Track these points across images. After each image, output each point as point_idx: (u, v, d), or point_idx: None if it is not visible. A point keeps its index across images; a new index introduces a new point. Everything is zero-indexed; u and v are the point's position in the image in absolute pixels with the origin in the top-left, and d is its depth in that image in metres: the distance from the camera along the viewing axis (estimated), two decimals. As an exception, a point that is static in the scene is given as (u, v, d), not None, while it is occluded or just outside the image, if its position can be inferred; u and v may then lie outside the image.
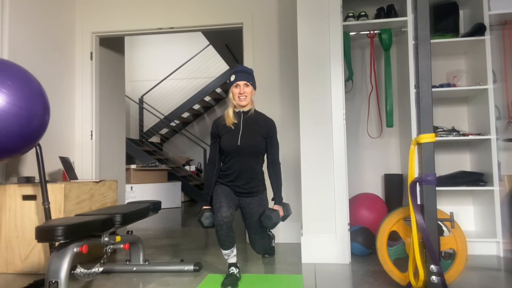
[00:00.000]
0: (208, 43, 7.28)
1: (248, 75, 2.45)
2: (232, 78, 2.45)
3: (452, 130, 3.08)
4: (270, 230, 2.75)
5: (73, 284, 2.33)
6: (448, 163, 3.37)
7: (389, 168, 3.46)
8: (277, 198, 2.51)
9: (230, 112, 2.47)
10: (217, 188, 2.48)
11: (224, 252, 2.34)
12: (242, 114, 2.48)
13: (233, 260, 2.36)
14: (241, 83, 2.42)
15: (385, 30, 3.19)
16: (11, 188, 2.65)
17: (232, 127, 2.45)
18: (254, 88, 2.50)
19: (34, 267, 2.60)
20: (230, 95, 2.46)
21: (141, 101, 9.11)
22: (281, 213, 2.46)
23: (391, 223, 2.17)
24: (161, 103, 9.09)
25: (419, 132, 1.93)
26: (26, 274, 2.59)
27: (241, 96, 2.41)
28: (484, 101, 3.01)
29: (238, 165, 2.45)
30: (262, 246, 2.58)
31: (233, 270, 2.32)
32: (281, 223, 3.42)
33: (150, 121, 8.96)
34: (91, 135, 3.73)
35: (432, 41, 3.03)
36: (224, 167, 2.51)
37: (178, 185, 7.17)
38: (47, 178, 3.17)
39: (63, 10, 3.60)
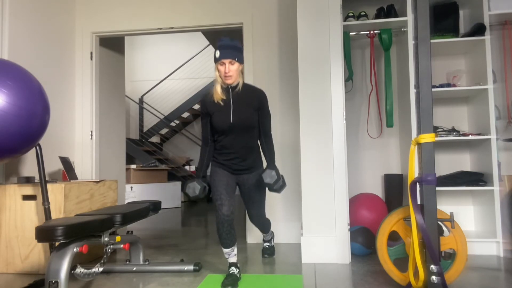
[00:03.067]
0: (208, 43, 7.28)
1: (233, 51, 2.29)
2: (217, 54, 2.29)
3: (452, 130, 3.08)
4: (275, 190, 2.40)
5: (73, 284, 2.33)
6: (448, 163, 3.37)
7: (389, 168, 3.46)
8: (272, 165, 2.40)
9: (217, 88, 2.35)
10: (214, 172, 2.41)
11: (225, 250, 2.33)
12: (230, 89, 2.37)
13: (233, 259, 2.36)
14: (226, 61, 2.27)
15: (385, 30, 3.19)
16: (11, 188, 2.65)
17: (222, 104, 2.35)
18: (241, 62, 2.35)
19: (34, 267, 2.60)
20: (216, 72, 2.34)
21: (141, 101, 9.11)
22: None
23: (391, 223, 2.17)
24: (161, 103, 9.10)
25: (419, 132, 1.93)
26: (26, 274, 2.59)
27: (227, 75, 2.29)
28: (484, 101, 3.01)
29: (232, 142, 2.37)
30: (260, 222, 2.63)
31: (233, 270, 2.31)
32: (281, 223, 3.42)
33: (150, 121, 8.96)
34: (91, 135, 3.73)
35: (432, 41, 3.03)
36: (218, 145, 2.42)
37: (178, 185, 7.16)
38: (47, 178, 3.17)
39: (63, 10, 3.60)
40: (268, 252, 2.90)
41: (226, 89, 2.37)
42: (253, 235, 3.46)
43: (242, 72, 2.40)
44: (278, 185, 2.33)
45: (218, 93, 2.35)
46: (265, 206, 3.43)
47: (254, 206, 2.54)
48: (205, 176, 2.44)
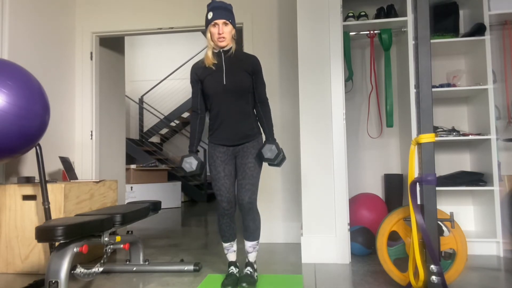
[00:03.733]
0: (208, 43, 7.27)
1: (227, 12, 2.19)
2: (210, 15, 2.18)
3: (452, 130, 3.08)
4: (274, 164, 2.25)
5: (73, 284, 2.33)
6: (448, 163, 3.37)
7: (389, 168, 3.46)
8: (271, 138, 2.28)
9: (209, 53, 2.22)
10: (210, 157, 2.28)
11: (225, 245, 2.33)
12: (222, 53, 2.24)
13: (232, 257, 2.35)
14: (220, 21, 2.16)
15: (385, 30, 3.19)
16: (11, 188, 2.65)
17: (214, 68, 2.22)
18: (234, 26, 2.25)
19: (34, 267, 2.60)
20: (208, 35, 2.22)
21: (141, 101, 9.11)
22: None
23: (391, 223, 2.17)
24: (161, 103, 9.09)
25: (419, 132, 1.93)
26: (26, 274, 2.59)
27: (220, 37, 2.17)
28: (484, 101, 3.01)
29: (226, 108, 2.22)
30: (250, 214, 2.24)
31: (233, 269, 2.29)
32: (281, 223, 3.42)
33: (150, 121, 8.96)
34: (91, 135, 3.73)
35: (432, 41, 3.03)
36: (211, 115, 2.28)
37: (178, 185, 7.17)
38: (47, 178, 3.17)
39: (63, 10, 3.60)
40: (248, 280, 2.19)
41: (218, 53, 2.24)
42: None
43: (234, 37, 2.28)
44: (279, 159, 2.20)
45: (210, 58, 2.22)
46: (264, 205, 3.44)
47: (246, 179, 2.22)
48: (197, 152, 2.32)
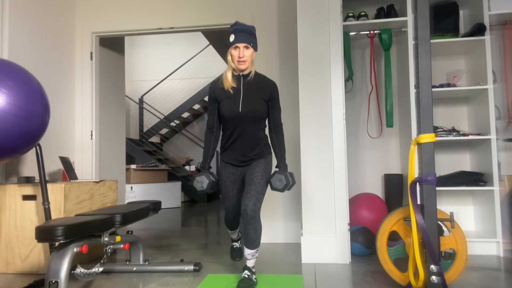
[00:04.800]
0: (208, 43, 7.28)
1: (249, 36, 2.20)
2: (232, 38, 2.20)
3: (452, 130, 3.08)
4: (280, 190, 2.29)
5: (73, 284, 2.32)
6: (448, 163, 3.37)
7: (389, 168, 3.46)
8: (282, 165, 2.31)
9: (228, 75, 2.25)
10: (221, 175, 2.37)
11: (230, 231, 2.62)
12: (242, 77, 2.26)
13: (235, 236, 2.66)
14: (241, 45, 2.18)
15: (385, 30, 3.19)
16: (11, 188, 2.65)
17: (231, 92, 2.24)
18: (255, 49, 2.25)
19: (34, 267, 2.60)
20: (229, 57, 2.23)
21: (141, 101, 9.11)
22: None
23: (391, 223, 2.17)
24: (161, 103, 9.09)
25: (419, 132, 1.93)
26: (26, 274, 2.59)
27: (240, 60, 2.19)
28: (484, 101, 3.01)
29: (240, 132, 2.27)
30: (252, 201, 2.18)
31: (236, 244, 2.66)
32: (281, 223, 3.42)
33: (150, 121, 8.96)
34: (91, 135, 3.73)
35: (432, 41, 3.03)
36: (224, 135, 2.34)
37: (178, 185, 7.17)
38: (47, 178, 3.17)
39: (63, 10, 3.60)
40: (246, 283, 2.17)
41: (237, 76, 2.27)
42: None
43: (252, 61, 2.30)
44: (287, 189, 2.26)
45: (229, 80, 2.24)
46: (264, 205, 3.44)
47: (252, 186, 2.22)
48: (210, 168, 2.40)
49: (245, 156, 2.31)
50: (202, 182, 2.27)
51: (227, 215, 2.48)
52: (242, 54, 2.18)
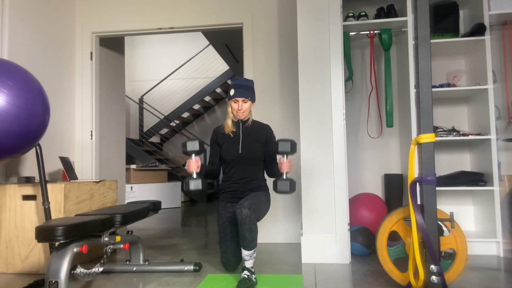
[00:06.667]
0: (208, 43, 7.28)
1: (247, 91, 2.49)
2: (232, 92, 2.49)
3: (452, 130, 3.08)
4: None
5: (73, 284, 2.33)
6: (448, 163, 3.37)
7: (389, 168, 3.46)
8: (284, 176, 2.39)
9: (229, 122, 2.56)
10: (220, 216, 2.56)
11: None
12: (241, 123, 2.57)
13: None
14: (240, 99, 2.48)
15: (385, 30, 3.19)
16: (11, 188, 2.65)
17: (232, 136, 2.54)
18: (253, 101, 2.56)
19: (34, 267, 2.60)
20: (229, 108, 2.53)
21: (141, 101, 9.11)
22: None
23: (391, 223, 2.17)
24: (161, 103, 9.09)
25: (419, 132, 1.93)
26: (26, 274, 2.59)
27: (239, 112, 2.50)
28: (484, 101, 3.01)
29: (239, 173, 2.53)
30: (248, 202, 2.26)
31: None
32: (281, 223, 3.42)
33: (150, 121, 8.95)
34: (91, 135, 3.73)
35: (432, 41, 3.03)
36: (225, 176, 2.59)
37: (178, 185, 7.16)
38: (47, 178, 3.17)
39: (63, 10, 3.60)
40: (246, 284, 2.17)
41: (237, 122, 2.57)
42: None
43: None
44: (292, 186, 2.31)
45: (229, 126, 2.54)
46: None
47: (248, 197, 2.37)
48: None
49: (242, 193, 2.53)
50: (192, 182, 2.26)
51: (225, 260, 2.51)
52: (241, 107, 2.49)
